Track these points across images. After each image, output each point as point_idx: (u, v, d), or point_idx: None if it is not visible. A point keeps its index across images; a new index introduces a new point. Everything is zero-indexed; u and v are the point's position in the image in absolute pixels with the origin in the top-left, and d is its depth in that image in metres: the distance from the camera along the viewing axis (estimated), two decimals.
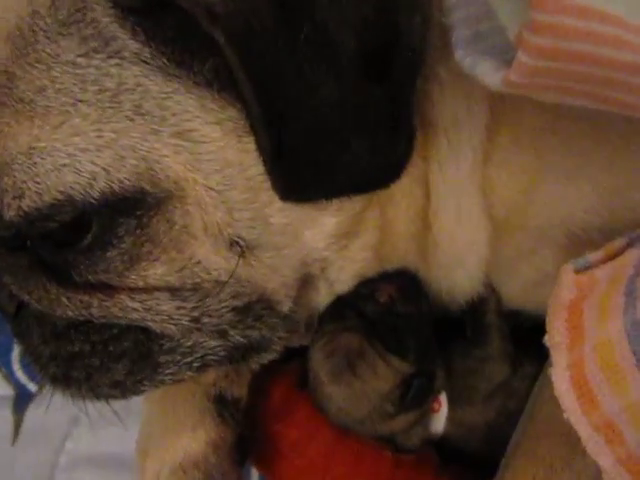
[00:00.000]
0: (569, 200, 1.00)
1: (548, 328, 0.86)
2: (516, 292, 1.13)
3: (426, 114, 0.97)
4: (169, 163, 0.87)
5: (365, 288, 1.10)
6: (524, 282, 1.11)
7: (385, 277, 1.10)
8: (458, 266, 1.08)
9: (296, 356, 1.15)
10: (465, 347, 1.16)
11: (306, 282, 1.05)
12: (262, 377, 1.17)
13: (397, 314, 1.09)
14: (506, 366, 1.13)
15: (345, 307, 1.09)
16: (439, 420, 1.15)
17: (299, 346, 1.14)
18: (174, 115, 0.86)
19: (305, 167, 0.86)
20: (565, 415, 0.82)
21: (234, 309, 0.97)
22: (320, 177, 0.87)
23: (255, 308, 0.99)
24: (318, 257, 1.01)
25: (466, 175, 0.99)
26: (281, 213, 0.94)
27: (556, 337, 0.84)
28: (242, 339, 1.00)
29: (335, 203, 0.95)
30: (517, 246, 1.06)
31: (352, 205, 0.97)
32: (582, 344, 0.82)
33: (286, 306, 1.02)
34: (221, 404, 1.14)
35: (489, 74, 0.69)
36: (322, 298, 1.10)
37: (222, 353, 1.00)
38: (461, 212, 1.02)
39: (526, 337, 1.09)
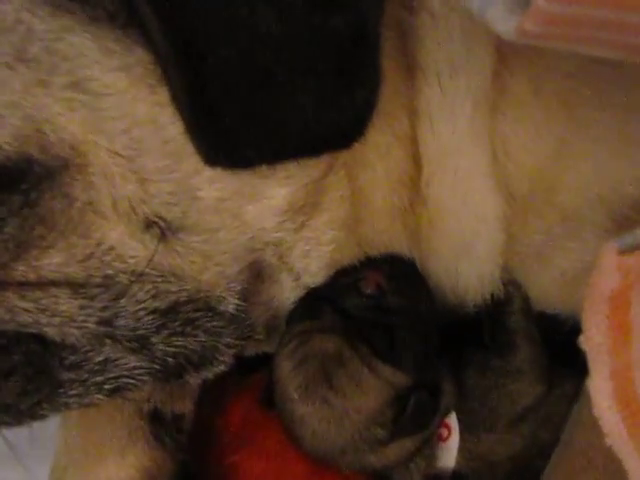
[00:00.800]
0: (612, 168, 0.94)
1: (585, 326, 0.79)
2: (549, 289, 1.05)
3: (413, 55, 0.92)
4: (63, 123, 0.81)
5: (345, 277, 1.01)
6: (559, 276, 1.03)
7: (371, 262, 1.01)
8: (462, 255, 1.01)
9: (261, 366, 1.07)
10: (483, 357, 1.05)
11: (260, 273, 0.98)
12: (216, 390, 1.09)
13: (388, 309, 0.99)
14: (538, 384, 1.03)
15: (319, 302, 1.00)
16: (448, 451, 1.03)
17: (263, 354, 1.06)
18: (66, 61, 0.80)
19: (234, 122, 0.79)
20: (607, 441, 0.76)
21: (155, 311, 0.91)
22: (255, 135, 0.81)
23: (184, 309, 0.92)
24: (269, 240, 0.94)
25: (466, 133, 0.93)
26: (212, 185, 0.87)
27: (595, 337, 0.78)
28: (171, 349, 0.93)
29: (283, 169, 0.89)
30: (547, 229, 0.99)
31: (307, 171, 0.91)
32: (630, 347, 0.77)
33: (231, 304, 0.95)
34: (157, 423, 1.07)
35: (501, 20, 0.65)
36: (288, 293, 1.02)
37: (143, 374, 0.93)
38: (462, 182, 0.96)
39: (566, 347, 0.94)
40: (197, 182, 0.86)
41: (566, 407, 0.98)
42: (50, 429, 1.04)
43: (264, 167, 0.86)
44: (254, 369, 1.10)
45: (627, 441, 0.75)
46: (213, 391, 1.10)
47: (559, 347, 1.03)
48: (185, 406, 1.09)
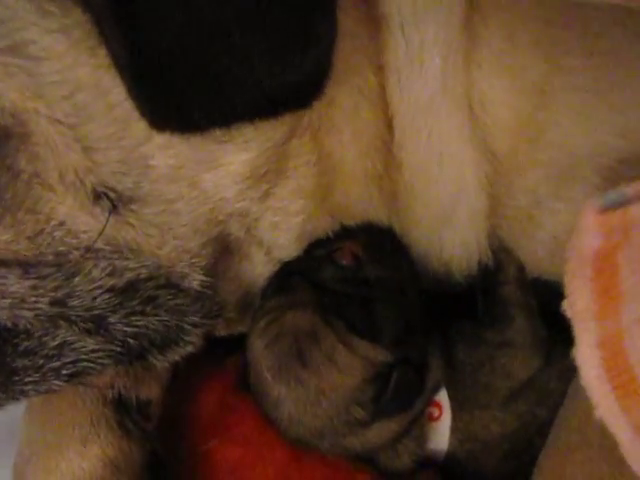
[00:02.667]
0: (597, 119, 0.92)
1: (567, 291, 0.78)
2: (541, 254, 1.03)
3: (375, 3, 0.90)
4: (0, 89, 0.80)
5: (320, 249, 1.00)
6: (550, 240, 1.01)
7: (347, 232, 1.00)
8: (444, 222, 1.00)
9: (238, 347, 1.04)
10: (475, 330, 1.05)
11: (227, 248, 0.97)
12: (189, 374, 1.06)
13: (365, 280, 0.98)
14: (534, 357, 1.02)
15: (292, 276, 0.99)
16: (440, 432, 1.03)
17: (239, 335, 1.04)
18: (1, 24, 0.79)
19: (178, 83, 0.78)
20: (597, 413, 0.76)
21: (112, 290, 0.89)
22: (202, 97, 0.79)
23: (143, 287, 0.91)
24: (232, 211, 0.92)
25: (438, 89, 0.92)
26: (164, 152, 0.85)
27: (578, 303, 0.77)
28: (130, 329, 0.91)
29: (240, 133, 0.86)
30: (532, 189, 0.97)
31: (266, 134, 0.88)
32: (618, 312, 0.76)
33: (195, 281, 0.93)
34: (122, 410, 1.04)
35: None
36: (260, 268, 1.01)
37: (103, 357, 0.91)
38: (437, 142, 0.94)
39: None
40: (148, 149, 0.85)
41: (565, 383, 0.97)
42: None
43: (218, 131, 0.84)
44: (230, 351, 1.08)
45: (618, 413, 0.74)
46: (185, 375, 1.07)
47: (559, 317, 0.97)
48: (152, 391, 1.07)
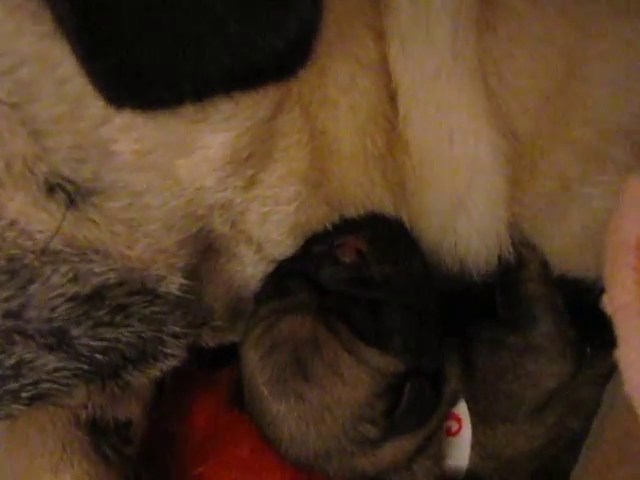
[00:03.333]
0: (631, 90, 0.89)
1: (607, 284, 0.77)
2: (569, 247, 1.01)
3: None
4: None
5: (319, 245, 0.96)
6: (579, 230, 0.99)
7: (348, 225, 0.96)
8: (458, 210, 0.97)
9: (231, 360, 1.02)
10: (496, 334, 1.02)
11: (212, 246, 0.93)
12: (176, 388, 1.05)
13: (372, 281, 0.95)
14: (563, 363, 0.99)
15: (289, 277, 0.96)
16: (460, 448, 0.99)
17: (232, 346, 1.01)
18: None
19: (137, 47, 0.71)
20: None
21: (75, 298, 0.85)
22: (166, 62, 0.73)
23: (112, 294, 0.87)
24: (212, 203, 0.88)
25: (448, 57, 0.88)
26: (127, 135, 0.80)
27: (620, 297, 0.75)
28: (98, 343, 0.87)
29: (217, 110, 0.82)
30: (559, 174, 0.94)
31: (249, 110, 0.84)
32: None
33: (174, 284, 0.90)
34: (98, 432, 1.01)
35: None
36: (251, 269, 0.98)
37: (68, 377, 0.87)
38: (448, 118, 0.91)
39: (598, 318, 0.91)
40: (108, 132, 0.79)
41: (598, 391, 0.95)
42: None
43: (190, 109, 0.78)
44: (222, 364, 1.06)
45: None
46: (173, 390, 1.06)
47: (587, 318, 0.98)
48: (132, 411, 1.04)
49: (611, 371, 0.93)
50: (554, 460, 0.98)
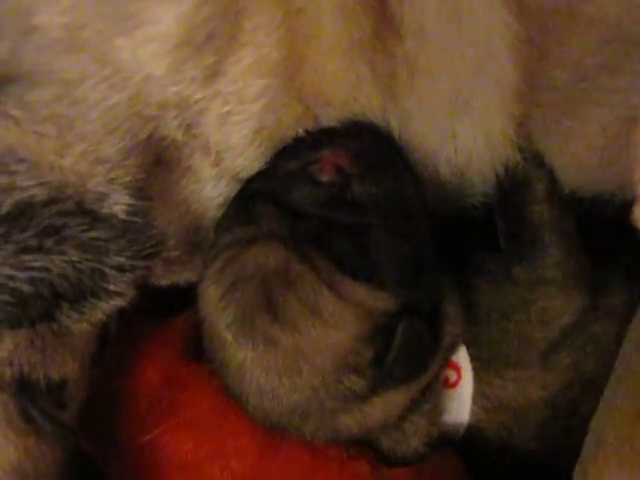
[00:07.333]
0: None
1: (637, 189, 0.78)
2: (584, 156, 0.96)
3: None
4: None
5: (291, 159, 0.91)
6: (598, 133, 0.93)
7: (327, 135, 0.91)
8: (460, 108, 0.92)
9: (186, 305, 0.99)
10: (500, 266, 0.99)
11: (163, 157, 0.88)
12: (122, 340, 0.99)
13: (355, 202, 0.90)
14: (578, 295, 0.96)
15: (256, 199, 0.91)
16: (460, 401, 0.96)
17: (185, 284, 0.97)
18: None
19: None
20: None
21: None
22: None
23: (41, 213, 0.82)
24: (164, 99, 0.83)
25: None
26: (54, 5, 0.77)
27: None
28: (23, 274, 0.82)
29: None
30: (577, 62, 0.89)
31: None
32: None
33: (118, 205, 0.84)
34: (25, 395, 0.92)
35: None
36: (210, 189, 0.93)
37: None
38: None
39: (616, 242, 0.98)
40: (28, 1, 0.75)
41: (617, 326, 0.94)
42: None
43: None
44: (177, 309, 1.01)
45: None
46: (119, 343, 1.00)
47: (602, 242, 1.00)
48: (68, 368, 0.95)
49: (631, 301, 0.94)
50: (569, 407, 0.96)
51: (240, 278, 0.87)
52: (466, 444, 0.99)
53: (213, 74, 0.85)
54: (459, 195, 0.99)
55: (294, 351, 0.86)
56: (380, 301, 0.87)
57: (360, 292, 0.87)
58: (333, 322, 0.86)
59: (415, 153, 0.95)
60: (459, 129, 0.93)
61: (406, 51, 0.89)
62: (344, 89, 0.91)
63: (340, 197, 0.90)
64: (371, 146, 0.92)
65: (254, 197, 0.91)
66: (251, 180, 0.92)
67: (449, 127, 0.94)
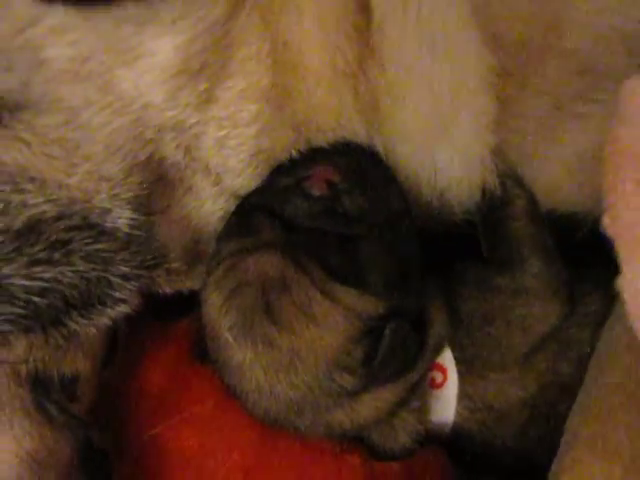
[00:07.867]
0: None
1: (608, 202, 0.74)
2: (560, 177, 0.99)
3: None
4: None
5: (285, 176, 0.94)
6: (572, 157, 0.97)
7: (318, 154, 0.94)
8: (439, 134, 0.94)
9: (190, 310, 1.02)
10: (483, 275, 1.01)
11: (165, 176, 0.91)
12: (130, 341, 1.02)
13: (345, 214, 0.93)
14: (556, 303, 0.99)
15: (253, 212, 0.95)
16: (445, 400, 1.00)
17: (191, 294, 0.99)
18: None
19: None
20: None
21: (4, 232, 0.82)
22: None
23: (50, 229, 0.84)
24: (162, 123, 0.85)
25: None
26: (60, 38, 0.78)
27: (624, 215, 0.73)
28: (35, 284, 0.84)
29: (164, 8, 0.79)
30: (551, 90, 0.92)
31: (200, 10, 0.82)
32: None
33: (122, 219, 0.87)
34: (41, 389, 0.96)
35: None
36: (210, 204, 0.95)
37: (2, 323, 0.85)
38: (429, 23, 0.87)
39: (590, 255, 0.97)
40: (36, 35, 0.76)
41: (590, 331, 0.97)
42: None
43: (131, 6, 0.76)
44: (181, 316, 1.05)
45: None
46: (127, 343, 1.04)
47: (578, 255, 1.01)
48: (79, 365, 1.00)
49: (604, 309, 0.96)
50: (547, 408, 0.98)
51: (240, 284, 0.90)
52: (452, 441, 1.02)
53: (207, 100, 0.87)
54: (442, 213, 1.01)
55: (290, 351, 0.90)
56: (369, 305, 0.91)
57: (350, 297, 0.90)
58: (325, 324, 0.90)
59: (399, 175, 0.97)
60: (438, 154, 0.95)
61: (387, 80, 0.91)
62: (330, 116, 0.93)
63: (331, 210, 0.93)
64: (360, 162, 0.95)
65: (252, 211, 0.94)
66: (249, 195, 0.95)
67: (429, 152, 0.96)
